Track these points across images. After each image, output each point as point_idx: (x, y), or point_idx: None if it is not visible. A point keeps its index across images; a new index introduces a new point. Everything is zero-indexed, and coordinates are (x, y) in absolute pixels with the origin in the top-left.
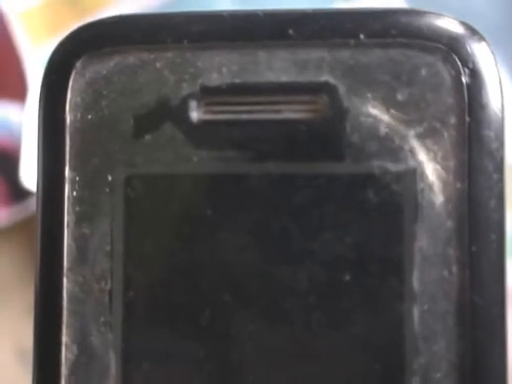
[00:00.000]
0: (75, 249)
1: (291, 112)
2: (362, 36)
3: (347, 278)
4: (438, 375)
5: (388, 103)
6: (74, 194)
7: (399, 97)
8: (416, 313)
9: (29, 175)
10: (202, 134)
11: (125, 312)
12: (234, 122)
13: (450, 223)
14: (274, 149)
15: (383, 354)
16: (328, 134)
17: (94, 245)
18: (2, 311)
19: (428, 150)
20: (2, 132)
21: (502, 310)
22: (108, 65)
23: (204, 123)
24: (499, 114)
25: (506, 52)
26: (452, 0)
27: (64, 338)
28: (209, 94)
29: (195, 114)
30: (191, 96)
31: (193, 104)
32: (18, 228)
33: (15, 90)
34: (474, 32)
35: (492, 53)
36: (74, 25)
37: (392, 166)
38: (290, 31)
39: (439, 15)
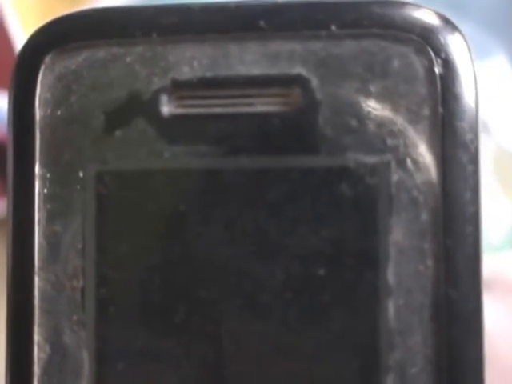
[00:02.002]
0: (46, 247)
1: (264, 105)
2: (333, 27)
3: (322, 272)
4: (414, 370)
5: (361, 95)
6: (45, 190)
7: (372, 88)
8: (391, 307)
9: None
10: (173, 128)
11: (97, 310)
12: (206, 116)
13: (424, 216)
14: (247, 143)
15: (358, 349)
16: (301, 126)
17: (65, 242)
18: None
19: (402, 141)
20: None
21: (478, 303)
22: (77, 59)
23: (176, 117)
24: (473, 105)
25: (504, 35)
26: None
27: (36, 337)
28: (180, 88)
29: (166, 109)
30: (162, 90)
31: (164, 98)
32: None
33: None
34: (447, 22)
35: (466, 43)
36: (67, 10)
37: (366, 159)
38: (261, 23)
39: (413, 5)
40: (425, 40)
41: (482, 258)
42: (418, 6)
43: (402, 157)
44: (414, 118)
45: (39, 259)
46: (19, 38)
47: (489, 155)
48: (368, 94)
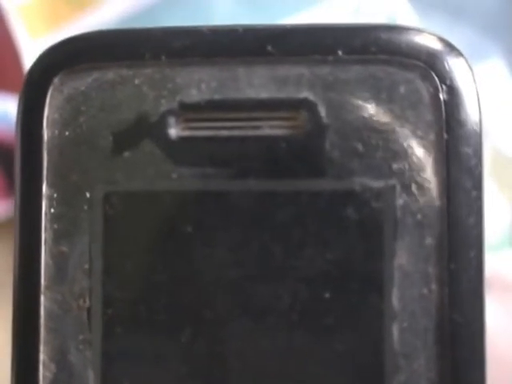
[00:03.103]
0: (53, 266)
1: (271, 128)
2: (340, 52)
3: (327, 294)
4: None
5: (367, 120)
6: (52, 210)
7: (378, 113)
8: (395, 330)
9: None
10: (181, 150)
11: (104, 330)
12: (213, 138)
13: (429, 240)
14: (253, 166)
15: (363, 372)
16: (308, 150)
17: (72, 263)
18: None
19: (407, 166)
20: (1, 125)
21: (482, 327)
22: (86, 81)
23: (183, 140)
24: (477, 130)
25: (502, 38)
26: None
27: (42, 356)
28: (188, 111)
29: (174, 131)
30: (170, 112)
31: (171, 120)
32: None
33: (14, 83)
34: (452, 48)
35: (470, 68)
36: (73, 17)
37: (372, 183)
38: (269, 47)
39: (418, 31)
40: (430, 66)
41: (485, 282)
42: (423, 32)
43: (407, 181)
44: (419, 144)
45: (46, 279)
46: (25, 43)
47: (486, 156)
48: (374, 119)
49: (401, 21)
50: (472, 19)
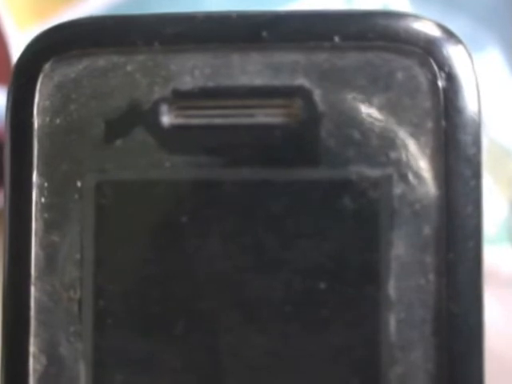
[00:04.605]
0: (43, 257)
1: (265, 116)
2: (336, 39)
3: (323, 285)
4: None
5: (364, 107)
6: (43, 200)
7: (375, 101)
8: (392, 321)
9: None
10: (174, 138)
11: (94, 321)
12: (206, 126)
13: (426, 230)
14: (248, 154)
15: (359, 363)
16: (303, 138)
17: (63, 253)
18: None
19: (405, 155)
20: None
21: (480, 318)
22: (77, 67)
23: (176, 128)
24: (476, 118)
25: (498, 29)
26: None
27: (32, 348)
28: (181, 98)
29: (167, 119)
30: (163, 100)
31: (164, 108)
32: None
33: (2, 74)
34: (450, 35)
35: (469, 55)
36: (61, 8)
37: (368, 172)
38: (264, 33)
39: (416, 17)
40: (428, 53)
41: (483, 273)
42: (421, 18)
43: (404, 170)
44: (416, 131)
45: (36, 269)
46: (13, 35)
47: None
48: (371, 107)
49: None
50: (467, 10)
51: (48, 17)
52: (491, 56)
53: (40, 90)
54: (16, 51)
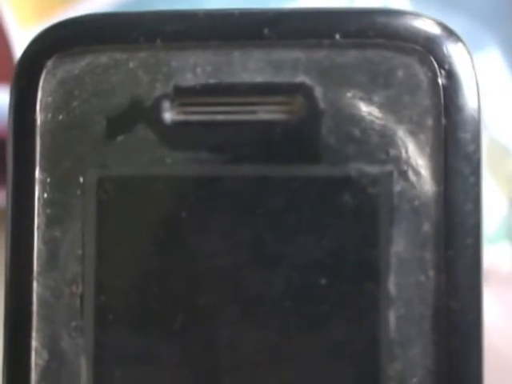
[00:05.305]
0: (46, 252)
1: (267, 113)
2: (337, 36)
3: (323, 281)
4: (414, 381)
5: (364, 105)
6: (45, 195)
7: (375, 98)
8: (392, 317)
9: None
10: (175, 135)
11: (96, 316)
12: (208, 123)
13: (426, 227)
14: (249, 150)
15: (359, 359)
16: (304, 135)
17: (65, 248)
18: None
19: (404, 152)
20: None
21: (479, 314)
22: (80, 64)
23: (178, 124)
24: (476, 116)
25: (498, 28)
26: None
27: (34, 343)
28: (182, 95)
29: (168, 115)
30: (164, 96)
31: (166, 105)
32: None
33: (4, 73)
34: (450, 33)
35: (469, 53)
36: (63, 7)
37: (368, 169)
38: (266, 31)
39: (416, 15)
40: (428, 51)
41: (483, 269)
42: (421, 16)
43: (404, 167)
44: (416, 129)
45: (38, 265)
46: (15, 33)
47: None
48: (371, 104)
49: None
50: (467, 8)
51: (50, 15)
52: (491, 55)
53: (43, 87)
54: (18, 49)
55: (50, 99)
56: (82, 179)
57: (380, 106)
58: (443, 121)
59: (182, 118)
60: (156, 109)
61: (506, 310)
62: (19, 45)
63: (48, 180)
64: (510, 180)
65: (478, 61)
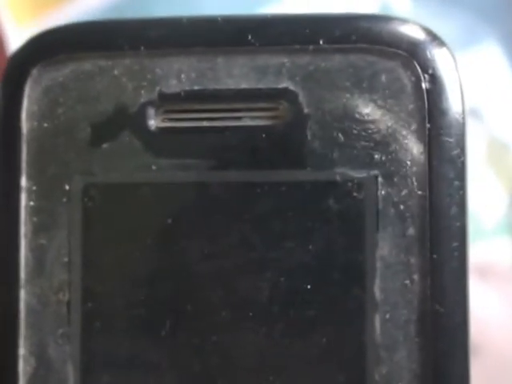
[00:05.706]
0: (32, 260)
1: (251, 119)
2: (321, 41)
3: (309, 286)
4: None
5: (348, 109)
6: (31, 203)
7: (359, 103)
8: (377, 322)
9: None
10: (160, 142)
11: (83, 323)
12: (193, 129)
13: (411, 231)
14: (234, 156)
15: (345, 363)
16: (289, 140)
17: (51, 256)
18: None
19: (389, 156)
20: None
21: (465, 318)
22: (64, 72)
23: (163, 131)
24: (460, 119)
25: (500, 24)
26: None
27: (21, 350)
28: (167, 101)
29: (153, 122)
30: (149, 103)
31: (151, 111)
32: None
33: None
34: (434, 37)
35: (454, 57)
36: (59, 4)
37: (353, 173)
38: (249, 37)
39: (401, 20)
40: (412, 55)
41: (468, 273)
42: (406, 21)
43: (389, 171)
44: (401, 133)
45: (25, 272)
46: (11, 30)
47: (482, 143)
48: (355, 109)
49: (395, 5)
50: (467, 3)
51: (46, 12)
52: (491, 50)
53: (28, 95)
54: (14, 47)
55: (35, 107)
56: (67, 186)
57: (364, 111)
58: (427, 125)
59: (167, 124)
60: (141, 115)
61: (506, 305)
62: (15, 42)
63: (34, 188)
64: (510, 175)
65: (478, 55)
